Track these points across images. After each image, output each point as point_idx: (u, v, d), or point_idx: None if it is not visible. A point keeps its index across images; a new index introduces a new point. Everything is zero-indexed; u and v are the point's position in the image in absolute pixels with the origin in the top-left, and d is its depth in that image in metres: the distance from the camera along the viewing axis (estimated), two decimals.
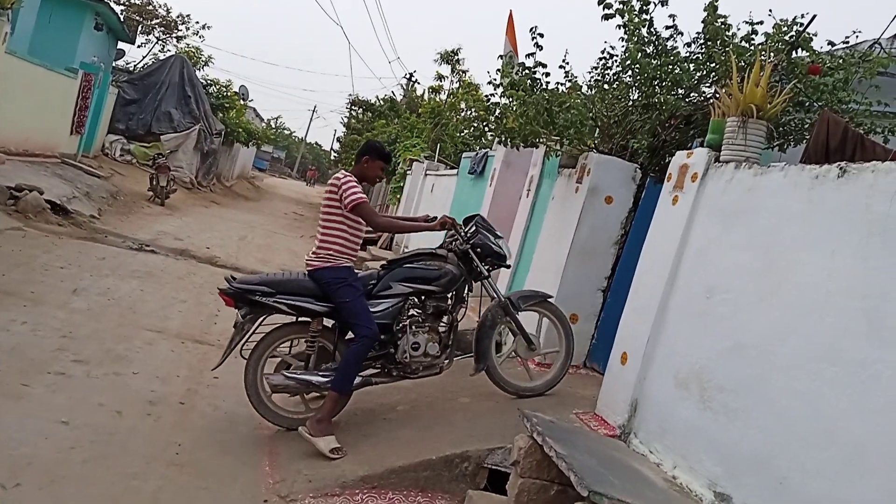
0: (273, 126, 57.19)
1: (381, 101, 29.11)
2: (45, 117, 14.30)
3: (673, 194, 4.29)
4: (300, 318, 4.48)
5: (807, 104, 4.91)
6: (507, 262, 4.90)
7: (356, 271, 4.51)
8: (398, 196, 18.61)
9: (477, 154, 10.93)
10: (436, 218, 4.72)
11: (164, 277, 8.45)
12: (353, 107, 31.32)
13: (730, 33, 5.27)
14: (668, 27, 5.53)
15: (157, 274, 8.58)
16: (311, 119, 79.89)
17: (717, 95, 4.39)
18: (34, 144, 13.72)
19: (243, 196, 27.89)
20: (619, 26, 5.58)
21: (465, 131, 18.29)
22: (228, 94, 26.12)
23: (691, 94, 5.61)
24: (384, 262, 4.79)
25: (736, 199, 3.73)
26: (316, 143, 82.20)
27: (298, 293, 4.37)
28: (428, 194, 14.84)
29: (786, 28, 4.99)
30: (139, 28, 24.65)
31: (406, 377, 4.63)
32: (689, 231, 4.05)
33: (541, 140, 6.01)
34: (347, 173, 4.50)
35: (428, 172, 15.40)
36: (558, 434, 3.50)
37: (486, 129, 6.53)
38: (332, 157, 48.89)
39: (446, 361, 4.70)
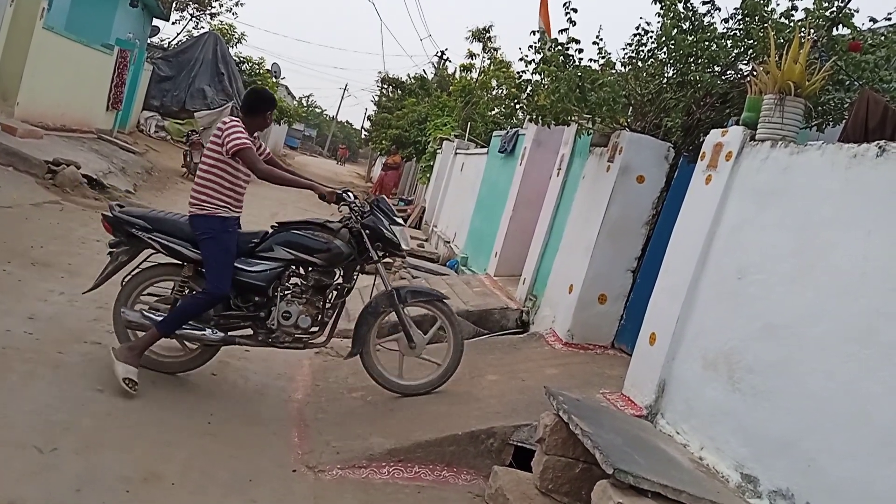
0: (304, 104, 57.35)
1: (412, 80, 29.03)
2: (81, 93, 14.50)
3: (706, 173, 4.23)
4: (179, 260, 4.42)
5: (847, 83, 4.79)
6: (402, 252, 4.69)
7: (235, 223, 4.39)
8: (428, 175, 18.60)
9: (507, 133, 10.86)
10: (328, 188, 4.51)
11: None
12: (383, 85, 31.30)
13: (769, 9, 5.15)
14: (705, 2, 5.42)
15: None
16: (342, 97, 79.92)
17: (755, 72, 4.30)
18: (71, 120, 13.94)
19: None
20: (654, 1, 5.48)
21: (496, 110, 18.18)
22: (261, 71, 26.23)
23: (728, 72, 5.50)
24: (274, 224, 4.62)
25: (771, 178, 3.67)
26: (347, 122, 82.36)
27: (176, 235, 4.31)
28: (458, 173, 14.80)
29: (827, 3, 4.86)
30: (173, 4, 24.80)
31: (271, 345, 4.49)
32: (722, 211, 3.99)
33: (572, 118, 5.94)
34: (236, 119, 4.34)
35: (458, 151, 15.35)
36: (584, 412, 3.51)
37: (517, 106, 6.47)
38: (363, 136, 48.94)
39: (321, 339, 4.56)
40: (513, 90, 6.42)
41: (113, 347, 4.25)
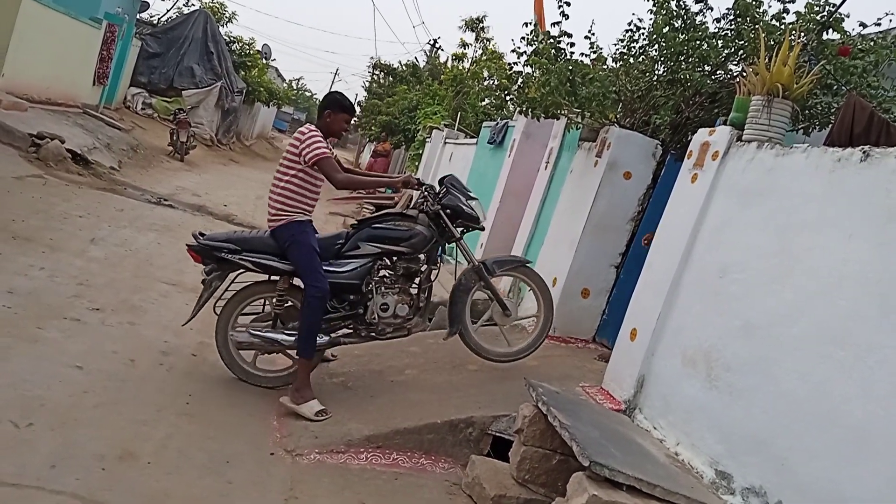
0: (294, 87, 56.88)
1: (404, 67, 28.87)
2: (67, 66, 14.31)
3: (692, 172, 4.25)
4: (271, 277, 4.47)
5: (834, 87, 4.82)
6: (481, 225, 4.79)
7: (310, 225, 4.41)
8: (416, 164, 18.55)
9: (497, 124, 10.85)
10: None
11: (180, 232, 8.51)
12: (375, 70, 31.10)
13: (760, 10, 5.17)
14: (697, 1, 5.43)
15: (175, 228, 8.65)
16: (332, 81, 79.05)
17: (744, 73, 4.32)
18: (56, 93, 13.76)
19: (262, 156, 27.94)
20: None
21: (487, 101, 18.14)
22: (251, 52, 25.98)
23: (718, 72, 5.52)
24: (353, 222, 4.72)
25: (756, 178, 3.69)
26: None
27: (264, 251, 4.35)
28: (446, 163, 14.77)
29: (818, 7, 4.89)
30: None
31: (375, 338, 4.59)
32: (707, 209, 4.02)
33: (562, 112, 5.95)
34: (313, 127, 4.35)
35: (447, 141, 15.31)
36: (563, 405, 3.53)
37: (508, 98, 6.47)
38: (353, 122, 48.64)
39: (418, 322, 4.63)
40: (504, 81, 6.41)
41: (283, 398, 4.23)
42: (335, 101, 4.48)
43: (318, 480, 3.54)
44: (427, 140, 17.21)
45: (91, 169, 10.57)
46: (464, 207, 4.63)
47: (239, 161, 21.68)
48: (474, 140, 12.64)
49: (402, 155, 23.66)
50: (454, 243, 4.72)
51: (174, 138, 15.98)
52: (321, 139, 4.28)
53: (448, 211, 4.60)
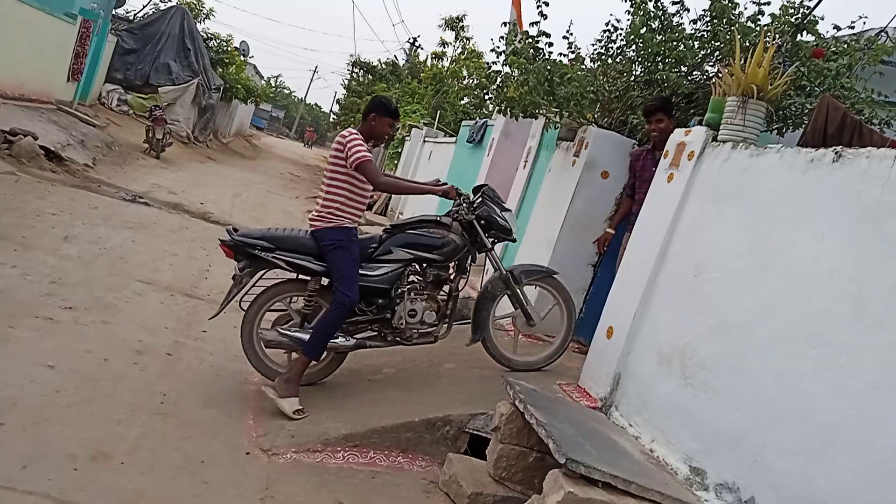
0: (273, 84, 56.48)
1: (384, 65, 28.82)
2: (41, 62, 14.10)
3: (669, 172, 4.28)
4: (301, 276, 4.47)
5: (808, 88, 4.89)
6: (513, 237, 4.82)
7: (357, 233, 4.44)
8: (396, 162, 18.53)
9: (476, 123, 10.87)
10: (445, 184, 4.63)
11: (156, 230, 8.43)
12: (354, 68, 30.99)
13: (736, 12, 5.23)
14: (674, 2, 5.48)
15: (150, 226, 8.56)
16: (311, 79, 79.15)
17: (720, 74, 4.36)
18: (30, 89, 13.55)
19: (240, 154, 27.69)
20: None
21: (466, 100, 18.16)
22: (229, 49, 25.74)
23: (694, 73, 5.58)
24: (387, 227, 4.75)
25: (731, 179, 3.73)
26: (315, 105, 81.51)
27: (298, 251, 4.34)
28: (426, 161, 14.78)
29: (792, 10, 4.95)
30: None
31: (401, 343, 4.61)
32: (683, 209, 4.05)
33: (540, 111, 5.97)
34: (354, 130, 4.37)
35: (426, 139, 15.32)
36: (540, 402, 3.55)
37: (486, 97, 6.49)
38: (332, 119, 48.43)
39: (443, 330, 4.68)
40: (483, 80, 6.42)
41: (266, 387, 4.24)
42: (381, 105, 4.48)
43: (295, 480, 3.52)
44: (406, 138, 17.20)
45: (65, 166, 10.43)
46: (497, 219, 4.67)
47: (216, 159, 21.47)
48: (453, 139, 12.66)
49: (381, 153, 23.59)
50: (484, 253, 4.74)
51: (150, 135, 15.80)
52: (362, 142, 4.30)
53: (482, 222, 4.63)
